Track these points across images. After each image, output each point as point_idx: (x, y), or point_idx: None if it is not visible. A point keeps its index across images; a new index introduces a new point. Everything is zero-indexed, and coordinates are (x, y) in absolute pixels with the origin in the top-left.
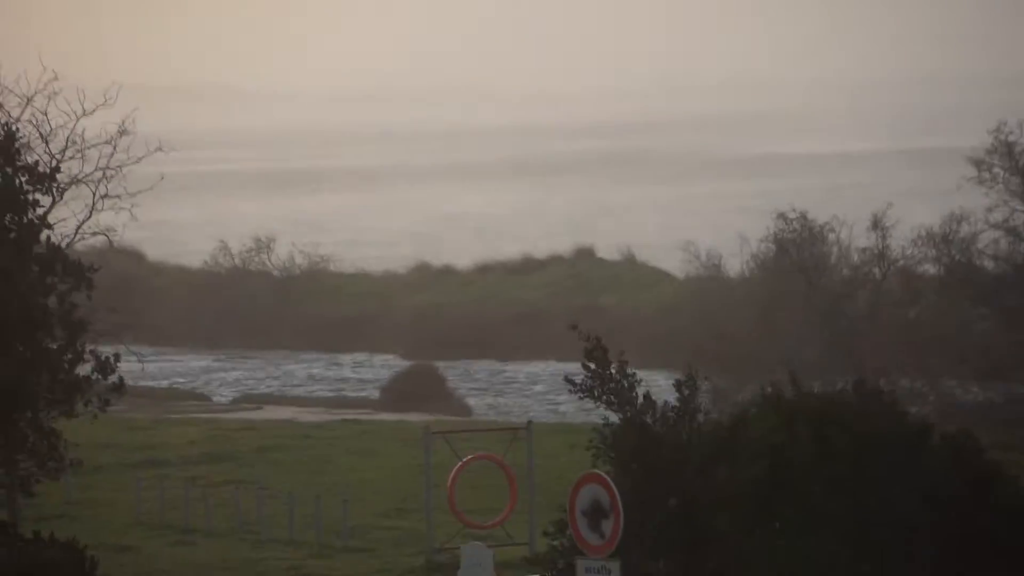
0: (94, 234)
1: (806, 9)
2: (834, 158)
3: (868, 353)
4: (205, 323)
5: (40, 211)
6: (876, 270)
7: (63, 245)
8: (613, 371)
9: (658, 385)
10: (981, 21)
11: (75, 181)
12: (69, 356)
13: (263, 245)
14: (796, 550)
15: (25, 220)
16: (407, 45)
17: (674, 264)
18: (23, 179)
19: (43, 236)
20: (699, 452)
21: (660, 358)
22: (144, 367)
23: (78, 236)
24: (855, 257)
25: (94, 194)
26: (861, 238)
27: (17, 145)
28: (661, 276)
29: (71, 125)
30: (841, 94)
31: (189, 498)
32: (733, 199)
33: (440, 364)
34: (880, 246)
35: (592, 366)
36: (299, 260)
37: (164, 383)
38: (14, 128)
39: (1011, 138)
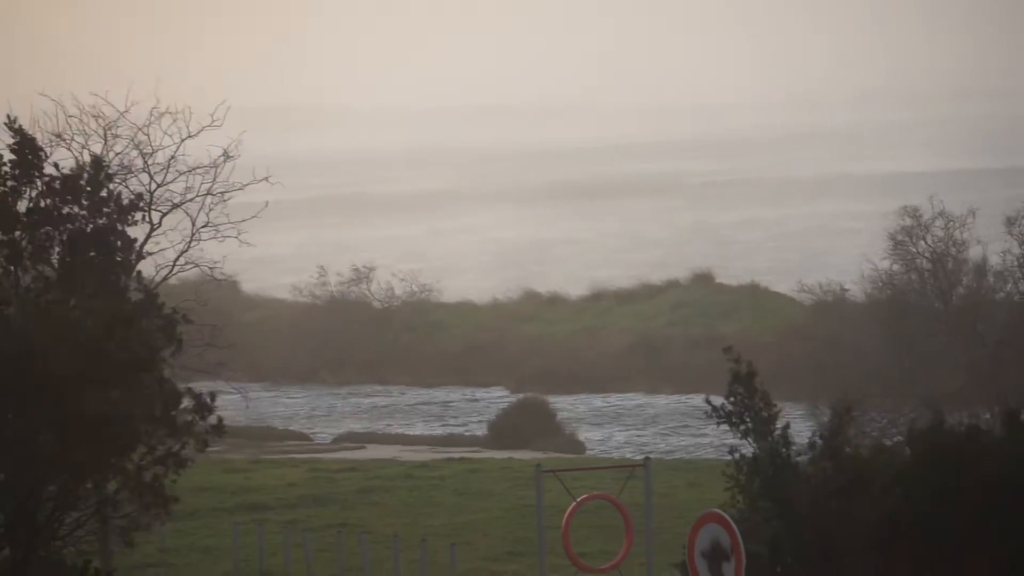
0: (194, 266)
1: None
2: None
3: (1011, 379)
4: (303, 358)
5: (134, 242)
6: (1019, 284)
7: (159, 278)
8: (758, 399)
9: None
10: None
11: (175, 207)
12: (164, 402)
13: (362, 275)
14: None
15: (119, 258)
16: (509, 61)
17: (795, 288)
18: (111, 210)
19: (134, 273)
20: (835, 487)
21: (782, 389)
22: (248, 404)
23: (176, 268)
24: (993, 263)
25: (193, 223)
26: (996, 244)
27: (113, 171)
28: (784, 302)
29: (173, 149)
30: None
31: (289, 543)
32: (851, 219)
33: (550, 398)
34: (1021, 253)
35: (740, 391)
36: (399, 290)
37: (262, 422)
38: (110, 155)
39: None
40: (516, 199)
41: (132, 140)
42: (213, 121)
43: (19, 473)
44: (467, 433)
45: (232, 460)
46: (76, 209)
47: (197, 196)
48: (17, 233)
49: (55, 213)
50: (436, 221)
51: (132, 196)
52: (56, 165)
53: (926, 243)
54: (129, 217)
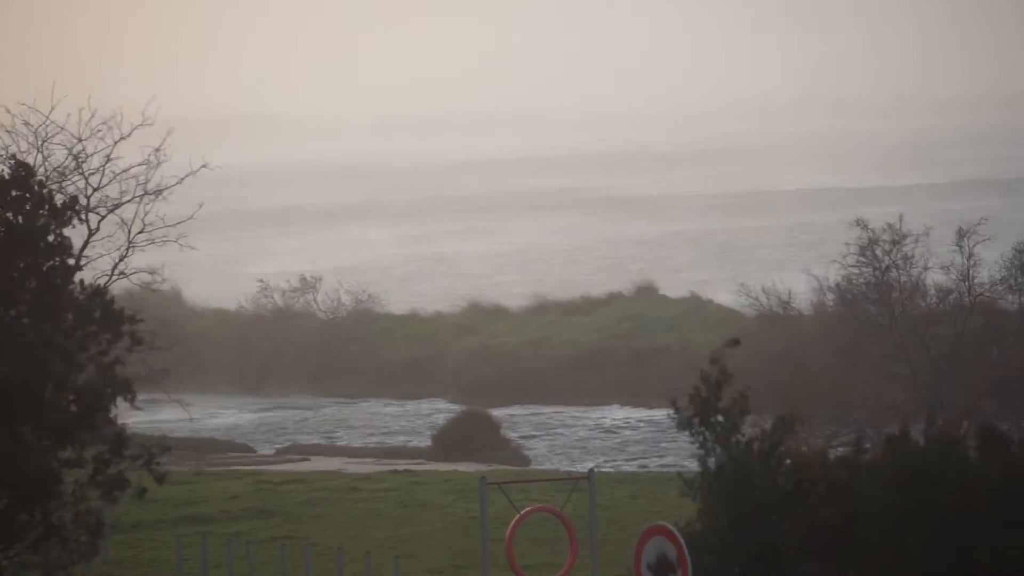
0: (134, 273)
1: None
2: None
3: (952, 393)
4: (247, 369)
5: (66, 245)
6: (965, 297)
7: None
8: (719, 406)
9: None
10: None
11: (116, 207)
12: (110, 448)
13: (308, 285)
14: None
15: (55, 261)
16: (452, 71)
17: (740, 300)
18: (44, 212)
19: (76, 277)
20: (781, 496)
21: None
22: (193, 419)
23: (115, 275)
24: (937, 279)
25: (129, 230)
26: (945, 257)
27: (45, 177)
28: (728, 314)
29: (107, 151)
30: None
31: (232, 556)
32: (793, 232)
33: (495, 410)
34: (967, 267)
35: (703, 393)
36: (345, 300)
37: (205, 433)
38: (44, 156)
39: None
40: (465, 209)
41: (65, 146)
42: (144, 120)
43: None
44: (412, 445)
45: (175, 471)
46: (10, 215)
47: (135, 197)
48: None
49: None
50: (384, 230)
51: (66, 199)
52: None
53: (873, 255)
54: (64, 217)
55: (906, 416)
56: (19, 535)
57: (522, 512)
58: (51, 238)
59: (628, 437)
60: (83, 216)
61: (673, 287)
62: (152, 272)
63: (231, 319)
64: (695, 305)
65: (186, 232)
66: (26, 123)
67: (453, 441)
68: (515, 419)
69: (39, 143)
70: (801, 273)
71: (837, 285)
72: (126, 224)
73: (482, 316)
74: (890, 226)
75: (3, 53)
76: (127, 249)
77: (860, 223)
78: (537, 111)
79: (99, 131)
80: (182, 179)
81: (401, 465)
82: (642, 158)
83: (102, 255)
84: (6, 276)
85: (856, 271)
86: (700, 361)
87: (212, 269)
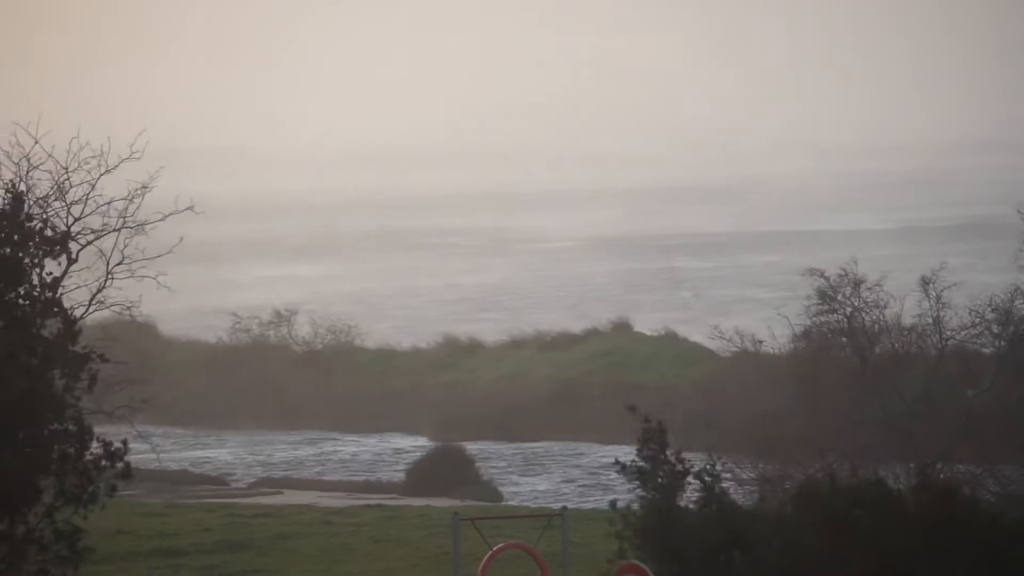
0: (110, 306)
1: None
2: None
3: (925, 437)
4: (221, 402)
5: (50, 278)
6: (935, 340)
7: (76, 315)
8: (670, 455)
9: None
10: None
11: (97, 236)
12: (76, 446)
13: (283, 318)
14: None
15: (35, 292)
16: (431, 107)
17: (712, 339)
18: (32, 244)
19: (55, 310)
20: (715, 538)
21: (703, 440)
22: (160, 457)
23: (92, 307)
24: (906, 323)
25: (108, 261)
26: (914, 307)
27: (28, 207)
28: (703, 353)
29: (92, 181)
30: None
31: None
32: (774, 272)
33: (469, 446)
34: (935, 312)
35: (650, 448)
36: (321, 333)
37: (177, 466)
38: (28, 185)
39: None
40: (444, 244)
41: (52, 174)
42: (132, 153)
43: None
44: (385, 480)
45: (148, 504)
46: None
47: (115, 230)
48: None
49: None
50: (359, 264)
51: (53, 231)
52: None
53: (844, 299)
54: (54, 250)
55: (879, 460)
56: None
57: (495, 548)
58: (34, 277)
59: (602, 474)
60: (65, 247)
61: (647, 324)
62: (128, 306)
63: (205, 351)
64: (670, 342)
65: (164, 270)
66: (13, 147)
67: (427, 476)
68: (489, 454)
69: (23, 173)
70: (773, 312)
71: (806, 331)
72: (105, 255)
73: (458, 350)
74: (845, 272)
75: None
76: (105, 280)
77: (814, 272)
78: (507, 146)
79: (87, 163)
80: (165, 217)
81: (374, 500)
82: (604, 196)
83: (79, 286)
84: None
85: (823, 318)
86: (678, 399)
87: (188, 300)
